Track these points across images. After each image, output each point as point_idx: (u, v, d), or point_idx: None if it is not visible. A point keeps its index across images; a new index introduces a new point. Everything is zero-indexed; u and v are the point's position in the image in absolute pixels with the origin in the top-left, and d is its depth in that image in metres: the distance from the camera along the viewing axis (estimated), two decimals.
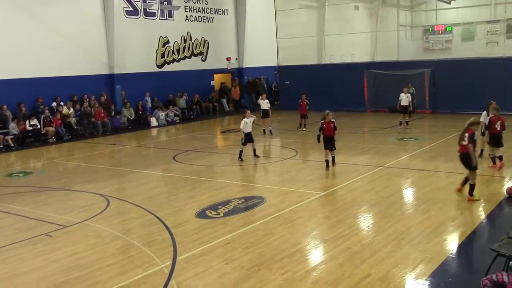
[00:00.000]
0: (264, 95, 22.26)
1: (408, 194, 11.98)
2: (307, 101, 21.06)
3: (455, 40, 35.39)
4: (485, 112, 13.82)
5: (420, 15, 42.52)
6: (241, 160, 15.47)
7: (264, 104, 20.76)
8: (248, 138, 15.38)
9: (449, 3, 35.26)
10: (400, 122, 20.98)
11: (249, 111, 16.08)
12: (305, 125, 21.24)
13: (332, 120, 14.08)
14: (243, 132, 15.31)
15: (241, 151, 15.55)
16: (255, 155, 15.63)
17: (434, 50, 31.96)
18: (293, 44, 30.41)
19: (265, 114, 20.67)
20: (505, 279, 5.68)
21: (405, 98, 20.90)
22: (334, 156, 14.28)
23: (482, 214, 9.82)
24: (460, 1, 36.71)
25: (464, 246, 8.17)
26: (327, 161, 14.11)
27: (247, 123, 15.28)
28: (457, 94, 24.93)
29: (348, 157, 16.17)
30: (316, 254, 8.10)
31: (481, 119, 13.41)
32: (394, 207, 10.30)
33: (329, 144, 14.00)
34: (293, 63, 30.61)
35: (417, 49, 37.74)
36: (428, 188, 11.75)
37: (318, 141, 14.20)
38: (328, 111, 14.34)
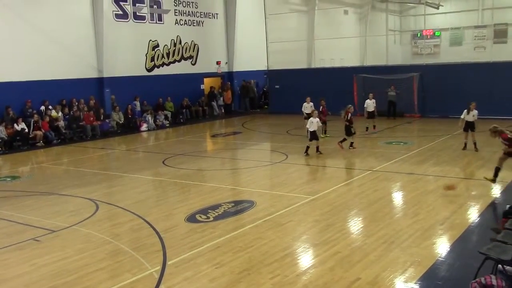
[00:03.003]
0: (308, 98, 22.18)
1: (397, 197, 12.03)
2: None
3: (443, 44, 35.78)
4: (465, 111, 16.10)
5: (408, 20, 42.90)
6: (307, 154, 16.49)
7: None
8: (313, 136, 16.34)
9: (438, 8, 35.55)
10: (367, 127, 21.11)
11: (316, 111, 17.09)
12: (325, 131, 20.60)
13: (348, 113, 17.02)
14: (308, 129, 16.45)
15: (307, 147, 16.67)
16: (318, 151, 16.73)
17: (423, 55, 32.19)
18: (283, 48, 30.49)
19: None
20: (494, 282, 5.71)
21: (371, 104, 21.19)
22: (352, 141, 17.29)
23: (470, 217, 9.88)
24: (448, 6, 37.11)
25: (453, 249, 8.21)
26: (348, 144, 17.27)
27: (313, 122, 16.20)
28: (445, 98, 25.11)
29: (337, 161, 16.24)
30: (306, 258, 8.10)
31: (462, 116, 16.06)
32: (383, 211, 10.33)
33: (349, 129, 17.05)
34: (283, 67, 30.67)
35: (406, 53, 38.06)
36: (417, 192, 11.81)
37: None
38: (350, 105, 17.65)
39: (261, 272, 7.41)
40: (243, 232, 9.23)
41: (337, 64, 31.78)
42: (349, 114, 17.13)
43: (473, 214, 10.06)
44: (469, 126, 16.16)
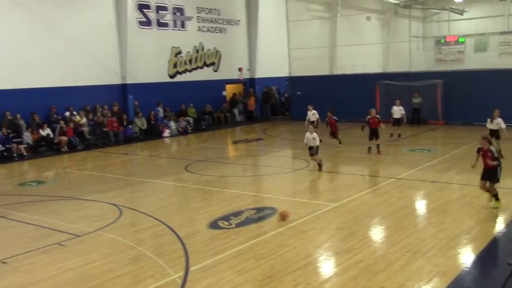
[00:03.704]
0: (311, 106, 22.17)
1: (422, 206, 11.88)
2: (334, 117, 19.79)
3: (467, 51, 35.27)
4: (488, 119, 16.16)
5: (432, 26, 42.50)
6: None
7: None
8: (311, 152, 15.61)
9: (462, 14, 35.17)
10: (391, 134, 20.80)
11: (311, 126, 16.63)
12: (339, 141, 19.97)
13: (377, 116, 17.78)
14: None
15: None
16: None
17: (447, 61, 31.82)
18: (305, 55, 30.44)
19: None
20: None
21: (397, 111, 20.80)
22: (378, 144, 17.71)
23: (497, 227, 9.69)
24: (473, 12, 36.66)
25: (479, 260, 8.07)
26: (369, 148, 17.72)
27: (308, 138, 15.61)
28: (470, 105, 24.75)
29: (360, 168, 16.12)
30: (328, 266, 8.04)
31: (486, 125, 16.10)
32: (407, 219, 10.21)
33: (374, 134, 17.60)
34: (304, 74, 30.62)
35: (429, 60, 37.63)
36: (441, 200, 11.65)
37: (362, 129, 18.06)
38: (372, 109, 18.14)
39: (283, 280, 7.38)
40: (265, 239, 9.21)
41: (359, 70, 31.60)
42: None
43: (500, 224, 9.87)
44: (493, 135, 15.79)
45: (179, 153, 21.53)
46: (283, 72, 32.48)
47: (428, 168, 15.28)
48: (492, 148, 10.49)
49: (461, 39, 36.75)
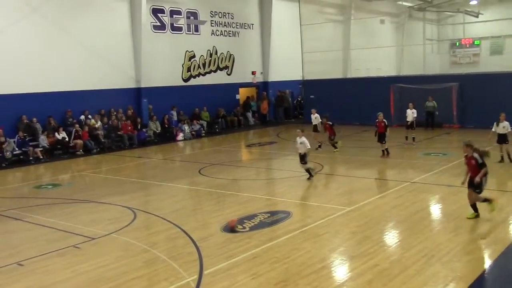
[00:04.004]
0: (314, 110, 22.01)
1: (437, 210, 11.76)
2: (329, 122, 19.77)
3: (483, 54, 34.99)
4: (495, 123, 15.89)
5: (446, 28, 42.20)
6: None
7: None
8: (301, 159, 14.96)
9: (477, 16, 34.87)
10: (406, 137, 20.70)
11: (299, 130, 15.36)
12: (334, 145, 19.82)
13: (384, 120, 17.72)
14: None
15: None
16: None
17: (462, 64, 31.56)
18: (318, 58, 30.39)
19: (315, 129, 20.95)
20: None
21: (410, 114, 20.69)
22: (386, 148, 17.74)
23: None
24: (489, 14, 36.31)
25: (496, 265, 7.96)
26: (382, 151, 17.82)
27: (297, 143, 14.89)
28: (485, 109, 24.44)
29: (374, 172, 16.03)
30: (343, 271, 7.99)
31: (492, 129, 15.86)
32: (422, 224, 10.12)
33: (380, 138, 17.69)
34: (318, 77, 30.57)
35: (444, 63, 37.41)
36: (457, 205, 11.50)
37: (375, 135, 18.04)
38: (379, 113, 18.09)
39: (298, 284, 7.34)
40: (279, 243, 9.18)
41: (373, 74, 31.46)
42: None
43: None
44: (501, 139, 15.70)
45: (192, 156, 21.58)
46: (297, 76, 32.45)
47: (444, 171, 15.13)
48: (475, 155, 9.93)
49: (476, 42, 36.46)
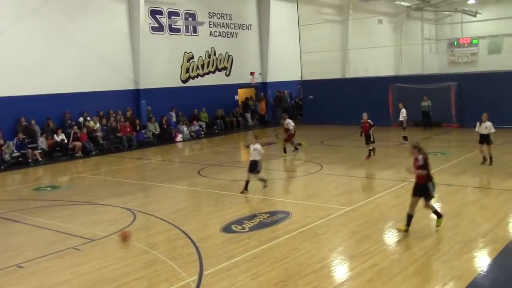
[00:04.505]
0: (286, 115, 21.73)
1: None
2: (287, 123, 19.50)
3: (481, 53, 35.04)
4: (478, 123, 15.61)
5: (445, 28, 42.27)
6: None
7: None
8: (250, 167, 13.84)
9: (475, 16, 34.91)
10: (403, 137, 20.75)
11: (253, 137, 14.04)
12: (285, 149, 19.56)
13: (368, 120, 17.46)
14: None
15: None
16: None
17: (460, 63, 31.59)
18: (317, 58, 30.42)
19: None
20: None
21: (400, 114, 20.79)
22: (373, 149, 17.51)
23: None
24: (486, 13, 36.37)
25: (496, 263, 7.97)
26: (369, 151, 17.56)
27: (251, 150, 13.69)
28: (484, 108, 24.27)
29: (373, 172, 16.04)
30: (343, 270, 8.01)
31: (476, 129, 15.61)
32: (422, 223, 10.11)
33: (366, 139, 17.48)
34: (316, 77, 30.59)
35: (442, 62, 37.45)
36: (456, 204, 11.55)
37: (360, 135, 17.85)
38: (364, 113, 17.82)
39: (297, 284, 7.35)
40: (279, 243, 9.19)
41: (371, 74, 31.49)
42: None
43: None
44: (483, 139, 15.41)
45: (191, 157, 21.58)
46: (295, 76, 32.50)
47: (443, 171, 15.14)
48: (419, 157, 9.23)
49: (474, 41, 36.49)
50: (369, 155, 17.62)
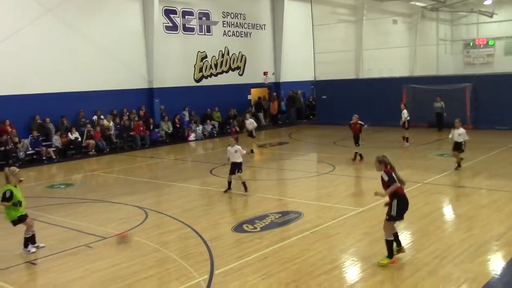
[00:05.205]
0: (248, 114, 22.29)
1: (449, 211, 11.68)
2: (237, 128, 19.72)
3: (497, 54, 34.64)
4: (452, 129, 15.23)
5: (460, 29, 41.82)
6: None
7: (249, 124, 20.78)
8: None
9: (491, 16, 34.52)
10: (403, 137, 20.66)
11: (232, 139, 13.95)
12: (252, 150, 19.94)
13: (359, 122, 17.17)
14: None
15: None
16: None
17: (476, 65, 31.28)
18: (331, 59, 30.31)
19: (250, 134, 20.76)
20: None
21: (402, 115, 20.62)
22: (358, 153, 17.21)
23: None
24: (503, 14, 35.92)
25: (510, 267, 7.87)
26: (355, 154, 17.32)
27: (231, 153, 13.58)
28: (499, 110, 24.27)
29: None
30: (354, 272, 7.96)
31: (449, 136, 15.19)
32: (434, 225, 10.05)
33: (354, 140, 17.24)
34: (330, 78, 30.49)
35: (458, 63, 37.10)
36: (470, 206, 11.43)
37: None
38: (355, 115, 17.44)
39: (309, 285, 7.33)
40: (290, 243, 9.17)
41: (385, 74, 31.30)
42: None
43: None
44: (456, 147, 14.92)
45: (204, 156, 21.63)
46: (309, 76, 32.42)
47: (456, 173, 15.01)
48: (383, 175, 8.10)
49: (490, 42, 36.09)
50: (355, 158, 17.32)
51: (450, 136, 15.23)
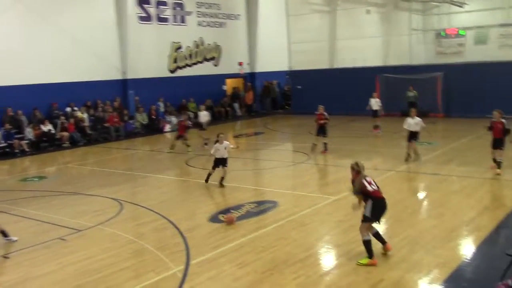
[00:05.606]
0: (203, 107, 22.17)
1: (421, 198, 11.91)
2: (189, 122, 19.66)
3: (468, 43, 35.14)
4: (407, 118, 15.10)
5: (432, 19, 42.21)
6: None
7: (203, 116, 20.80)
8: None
9: (462, 6, 34.98)
10: (376, 126, 20.98)
11: (222, 137, 13.64)
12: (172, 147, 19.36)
13: (323, 113, 17.15)
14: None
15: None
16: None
17: (447, 54, 31.76)
18: (305, 49, 30.41)
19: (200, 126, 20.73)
20: None
21: (374, 103, 21.17)
22: (325, 143, 17.08)
23: (497, 219, 9.70)
24: (473, 4, 36.42)
25: (479, 251, 8.10)
26: (313, 144, 17.34)
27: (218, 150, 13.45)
28: (470, 98, 24.73)
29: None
30: (329, 259, 8.09)
31: (404, 126, 15.00)
32: (407, 212, 10.24)
33: (321, 132, 17.17)
34: (305, 68, 30.61)
35: (430, 53, 37.51)
36: (441, 193, 11.68)
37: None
38: (320, 106, 17.48)
39: (284, 273, 7.42)
40: (266, 232, 9.25)
41: (359, 64, 31.54)
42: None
43: (500, 215, 9.87)
44: (412, 136, 14.88)
45: (179, 147, 21.51)
46: (283, 66, 32.46)
47: (429, 160, 15.29)
48: (356, 182, 8.01)
49: (461, 32, 36.59)
50: (325, 149, 17.10)
51: (405, 126, 15.07)
